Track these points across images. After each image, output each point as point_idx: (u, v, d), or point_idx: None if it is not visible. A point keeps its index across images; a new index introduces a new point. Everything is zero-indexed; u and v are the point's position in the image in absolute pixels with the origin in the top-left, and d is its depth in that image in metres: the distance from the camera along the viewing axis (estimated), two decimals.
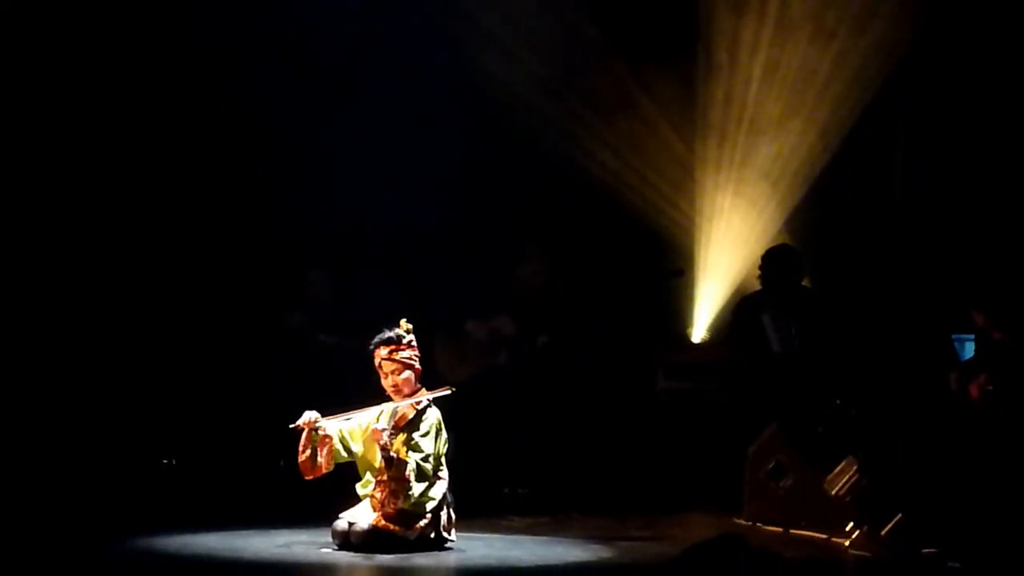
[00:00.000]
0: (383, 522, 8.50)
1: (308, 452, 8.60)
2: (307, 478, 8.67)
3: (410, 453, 8.52)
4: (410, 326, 8.78)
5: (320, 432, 8.60)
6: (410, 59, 12.17)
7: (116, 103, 11.80)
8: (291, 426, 8.59)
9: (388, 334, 8.75)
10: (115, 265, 11.80)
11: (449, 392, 8.69)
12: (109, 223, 11.82)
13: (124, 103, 11.82)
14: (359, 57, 12.12)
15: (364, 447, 8.71)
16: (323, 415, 8.63)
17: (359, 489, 8.73)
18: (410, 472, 8.48)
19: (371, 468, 8.68)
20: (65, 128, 11.69)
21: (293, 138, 12.06)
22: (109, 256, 11.79)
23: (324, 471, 8.65)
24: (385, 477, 8.49)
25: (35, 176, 11.64)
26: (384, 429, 8.50)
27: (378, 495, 8.52)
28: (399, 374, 8.72)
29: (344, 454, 8.71)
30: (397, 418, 8.63)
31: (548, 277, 12.01)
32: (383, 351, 8.74)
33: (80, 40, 11.69)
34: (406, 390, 8.71)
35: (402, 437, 8.56)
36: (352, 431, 8.72)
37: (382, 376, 8.75)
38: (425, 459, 8.57)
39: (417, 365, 8.77)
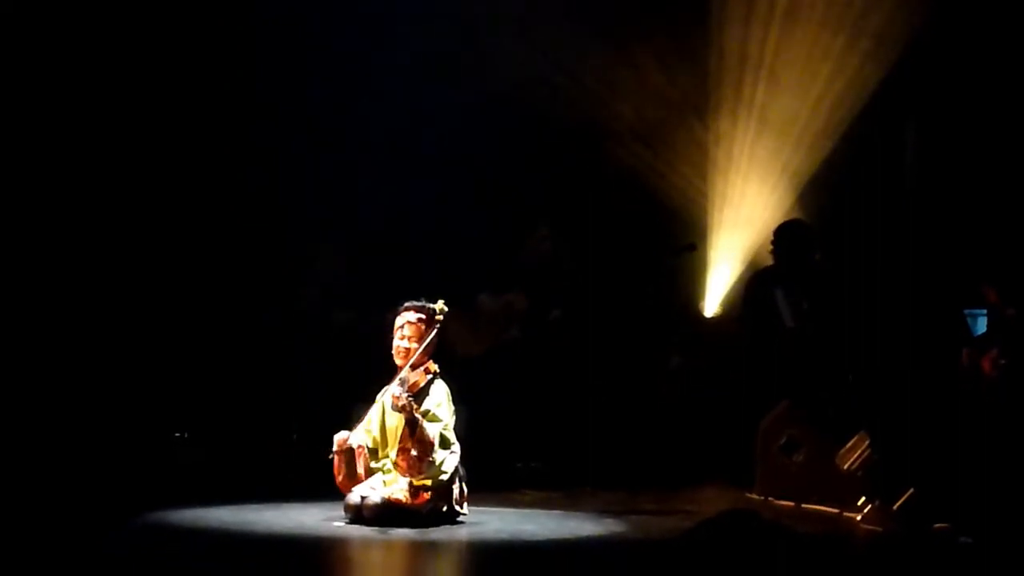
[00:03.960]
0: (397, 496, 8.54)
1: (344, 470, 8.68)
2: (345, 492, 8.73)
3: (428, 424, 8.55)
4: (446, 309, 8.81)
5: (354, 445, 8.70)
6: (420, 37, 12.14)
7: (127, 90, 11.79)
8: (329, 457, 8.64)
9: (425, 303, 8.80)
10: (130, 242, 11.80)
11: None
12: (125, 202, 11.81)
13: (135, 89, 11.81)
14: (370, 37, 12.09)
15: (379, 433, 8.76)
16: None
17: (372, 464, 8.77)
18: (434, 437, 8.51)
19: (389, 445, 8.73)
20: (80, 113, 11.68)
21: (302, 115, 12.06)
22: (125, 234, 11.79)
23: (364, 479, 8.73)
24: (408, 444, 8.51)
25: (57, 162, 11.65)
26: (402, 393, 8.53)
27: (403, 463, 8.55)
28: (413, 340, 8.75)
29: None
30: (410, 385, 8.65)
31: (559, 252, 11.99)
32: (412, 315, 8.79)
33: (90, 29, 11.69)
34: (413, 359, 8.72)
35: (416, 408, 8.58)
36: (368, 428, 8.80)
37: (397, 337, 8.79)
38: (444, 427, 8.62)
39: (432, 346, 8.78)
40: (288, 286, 11.99)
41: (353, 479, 8.69)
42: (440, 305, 8.80)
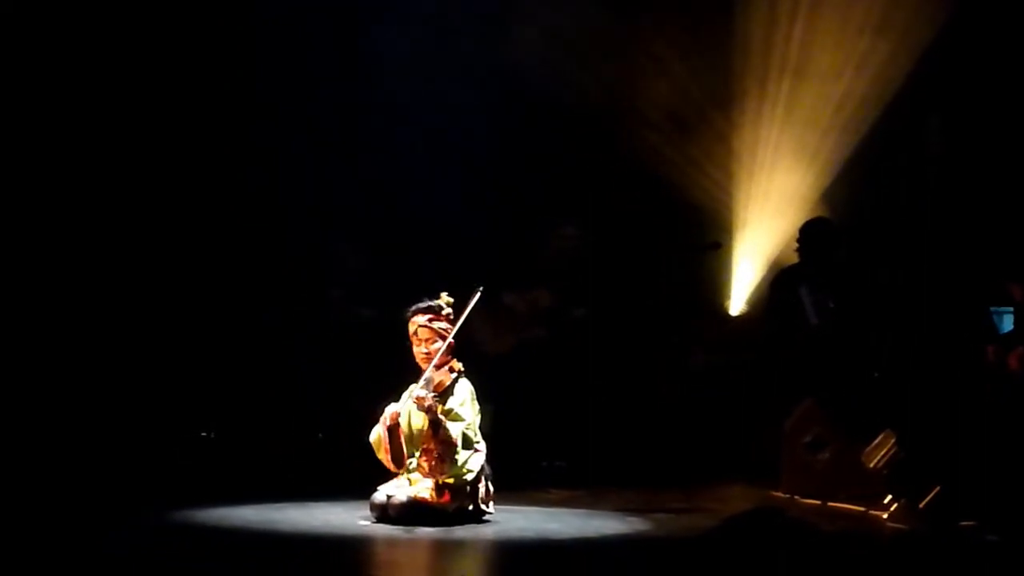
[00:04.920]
0: (423, 495, 8.55)
1: (391, 446, 8.68)
2: (398, 469, 8.73)
3: (451, 424, 8.56)
4: (451, 300, 8.81)
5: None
6: (442, 31, 12.14)
7: (128, 90, 11.81)
8: (380, 432, 8.65)
9: (428, 303, 8.80)
10: (154, 238, 11.83)
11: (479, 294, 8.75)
12: (152, 196, 11.84)
13: (136, 89, 11.82)
14: (391, 31, 12.09)
15: (405, 427, 8.77)
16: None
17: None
18: (456, 437, 8.52)
19: (415, 445, 8.73)
20: (81, 114, 11.70)
21: (325, 111, 12.07)
22: (148, 229, 11.82)
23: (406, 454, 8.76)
24: (431, 445, 8.53)
25: (61, 164, 11.68)
26: (427, 394, 8.54)
27: (426, 464, 8.56)
28: (432, 343, 8.75)
29: None
30: (435, 384, 8.66)
31: (584, 250, 11.98)
32: (421, 318, 8.78)
33: (90, 29, 11.72)
34: (436, 359, 8.72)
35: (440, 407, 8.59)
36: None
37: (415, 343, 8.78)
38: (467, 427, 8.62)
39: (451, 339, 8.78)
40: (312, 284, 11.99)
41: (400, 454, 8.68)
42: (444, 298, 8.80)
